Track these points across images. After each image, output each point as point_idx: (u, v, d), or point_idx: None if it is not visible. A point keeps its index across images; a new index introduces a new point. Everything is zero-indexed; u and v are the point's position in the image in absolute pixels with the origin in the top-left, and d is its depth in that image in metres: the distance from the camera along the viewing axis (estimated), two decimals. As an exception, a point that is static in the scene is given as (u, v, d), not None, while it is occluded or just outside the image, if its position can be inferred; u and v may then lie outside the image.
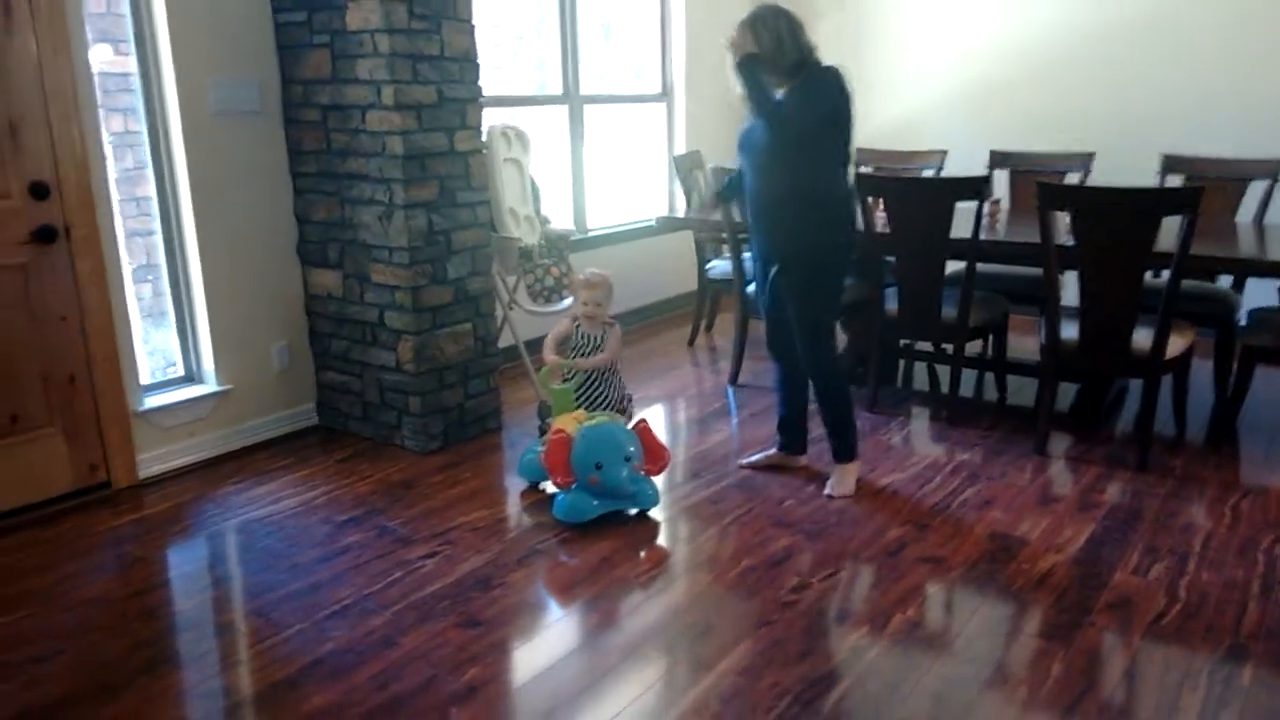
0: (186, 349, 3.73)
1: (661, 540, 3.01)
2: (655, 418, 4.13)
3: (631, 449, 3.04)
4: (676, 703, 2.17)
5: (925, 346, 4.60)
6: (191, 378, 3.75)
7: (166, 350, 3.74)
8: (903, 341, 4.37)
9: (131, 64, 3.46)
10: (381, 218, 3.57)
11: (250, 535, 3.06)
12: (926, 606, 2.57)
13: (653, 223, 4.91)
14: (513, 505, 3.28)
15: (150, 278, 3.69)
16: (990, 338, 4.21)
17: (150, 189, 3.57)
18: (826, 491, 3.27)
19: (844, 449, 3.32)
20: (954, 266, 3.79)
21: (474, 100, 3.68)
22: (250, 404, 3.83)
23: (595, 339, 3.51)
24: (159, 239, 3.62)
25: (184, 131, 3.48)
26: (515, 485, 3.46)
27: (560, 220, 4.70)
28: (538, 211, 4.14)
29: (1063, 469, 3.50)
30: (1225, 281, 4.17)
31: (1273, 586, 2.62)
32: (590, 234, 5.31)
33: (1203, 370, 4.23)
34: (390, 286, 3.62)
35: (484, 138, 3.79)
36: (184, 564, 2.89)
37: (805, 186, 3.05)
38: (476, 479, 3.46)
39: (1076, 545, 2.88)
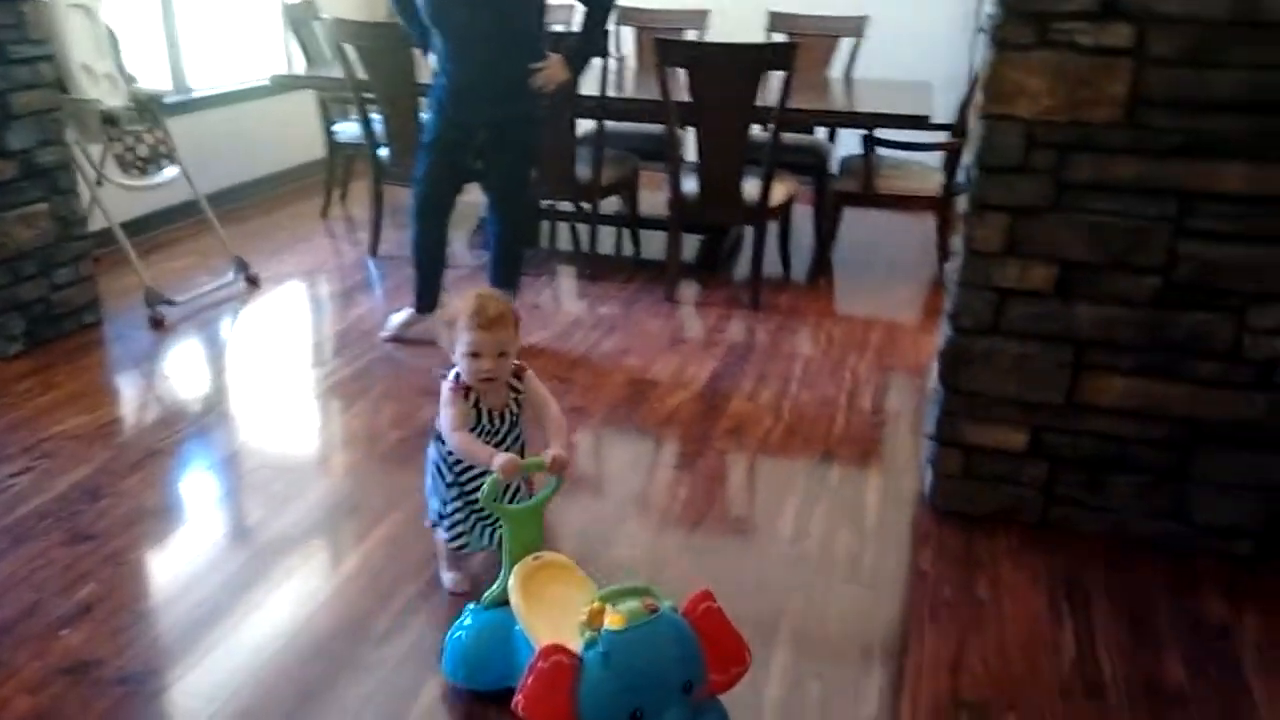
0: None
1: (308, 423, 2.87)
2: (293, 297, 3.87)
3: (693, 669, 1.51)
4: (329, 581, 2.12)
5: (566, 207, 4.69)
6: None
7: None
8: (544, 202, 4.42)
9: None
10: (-96, 76, 2.91)
11: None
12: (573, 454, 2.70)
13: (267, 82, 4.46)
14: (123, 406, 2.95)
15: None
16: (624, 195, 4.37)
17: None
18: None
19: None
20: (585, 127, 3.85)
21: (16, -70, 3.05)
22: None
23: (509, 413, 1.94)
24: None
25: None
26: (125, 383, 3.11)
27: (152, 80, 4.12)
28: (120, 69, 3.59)
29: (690, 314, 3.78)
30: (822, 133, 4.62)
31: (856, 399, 3.05)
32: (193, 96, 4.72)
33: (806, 216, 4.70)
34: (-70, 162, 2.99)
35: (36, -22, 3.17)
36: None
37: (532, 27, 3.05)
38: (74, 381, 3.05)
39: (700, 381, 3.15)
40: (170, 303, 3.55)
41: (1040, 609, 2.07)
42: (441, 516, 2.00)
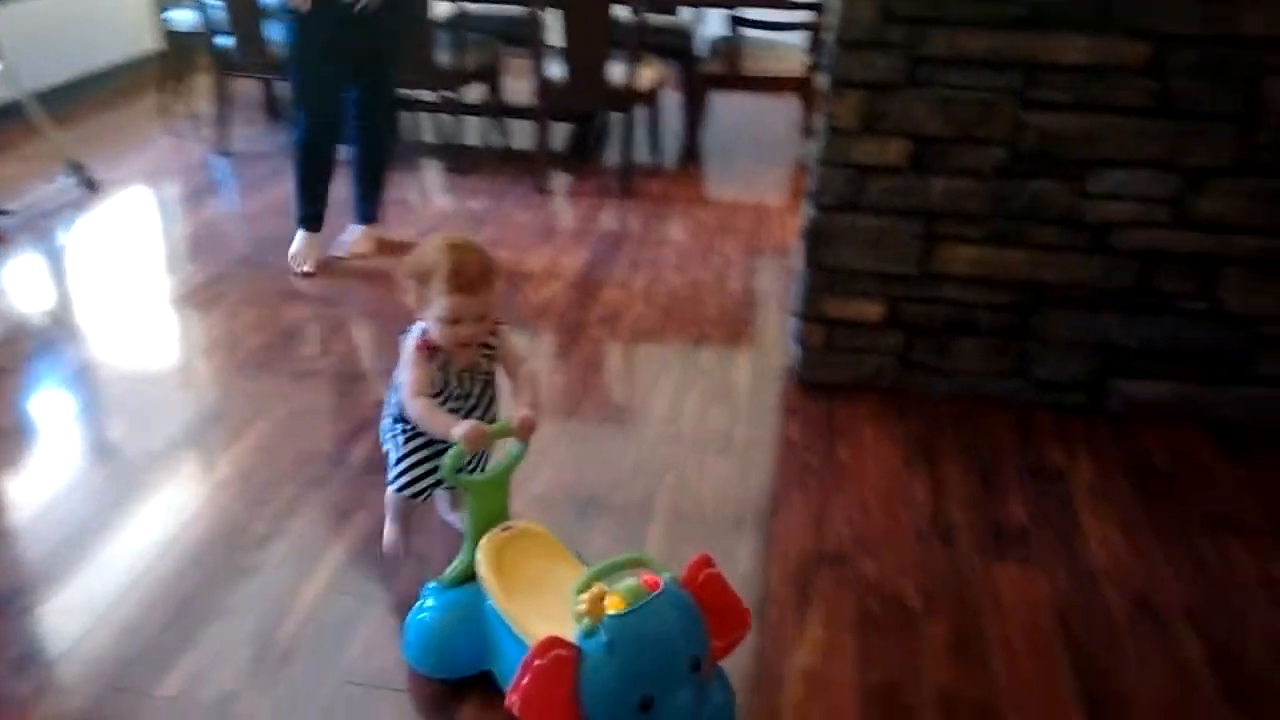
0: None
1: (163, 332, 2.75)
2: (137, 201, 3.64)
3: (699, 644, 1.36)
4: (200, 490, 2.08)
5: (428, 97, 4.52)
6: None
7: None
8: (402, 91, 4.23)
9: None
10: None
11: None
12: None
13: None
14: (-40, 322, 2.76)
15: None
16: (487, 82, 4.23)
17: None
18: (342, 253, 3.18)
19: (376, 209, 3.24)
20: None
21: None
22: None
23: (479, 377, 1.72)
24: None
25: None
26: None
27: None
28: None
29: (561, 204, 3.75)
30: (688, 15, 4.55)
31: (726, 281, 3.11)
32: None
33: (675, 102, 4.66)
34: None
35: None
36: None
37: None
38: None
39: (574, 271, 3.15)
40: (4, 212, 3.29)
41: (897, 467, 2.21)
42: (398, 463, 1.75)
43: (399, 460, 1.75)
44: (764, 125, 4.64)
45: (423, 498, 1.79)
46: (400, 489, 1.76)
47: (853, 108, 2.20)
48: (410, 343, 1.65)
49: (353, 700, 1.56)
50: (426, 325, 1.63)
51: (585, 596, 1.29)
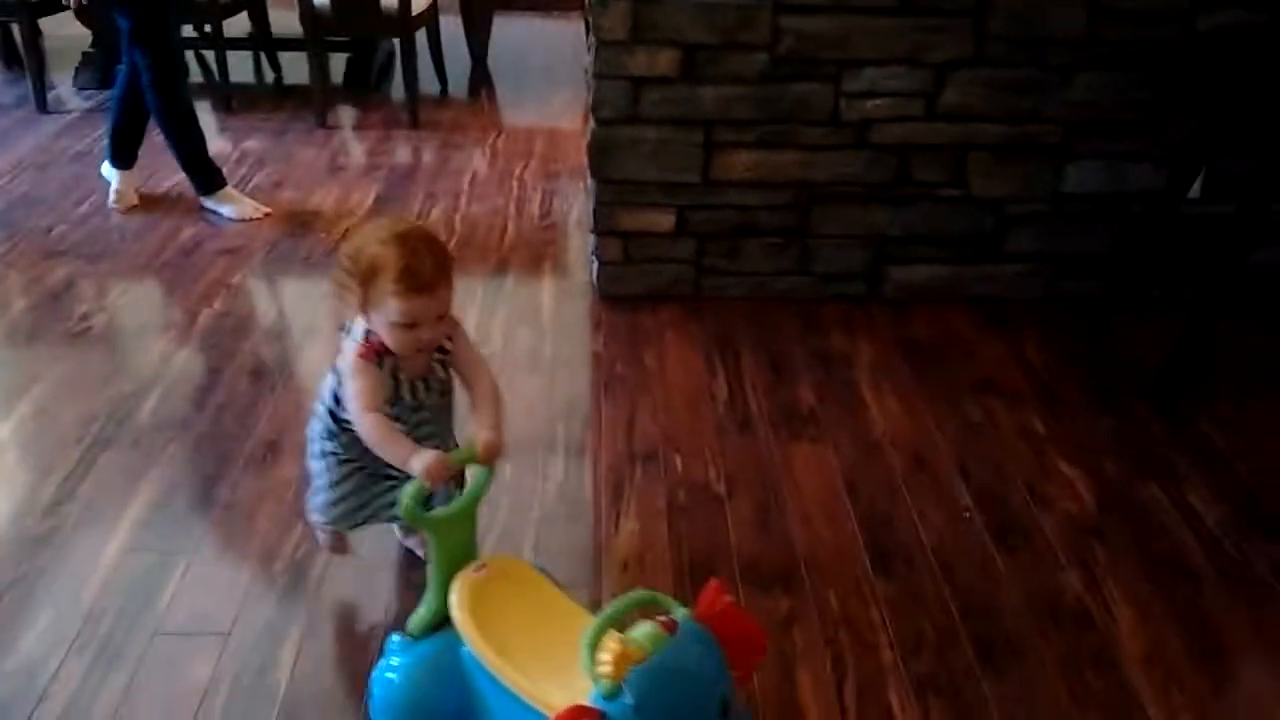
0: None
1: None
2: None
3: (724, 682, 1.22)
4: (-33, 470, 1.93)
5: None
6: None
7: None
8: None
9: None
10: None
11: None
12: (234, 295, 2.57)
13: None
14: None
15: None
16: (250, 13, 3.98)
17: None
18: (111, 203, 2.96)
19: (134, 155, 3.02)
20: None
21: None
22: None
23: (435, 386, 1.48)
24: None
25: None
26: None
27: None
28: None
29: (346, 139, 3.62)
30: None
31: (525, 206, 3.12)
32: None
33: (458, 29, 4.54)
34: None
35: None
36: None
37: None
38: None
39: (365, 206, 3.07)
40: None
41: (698, 367, 2.33)
42: (329, 488, 1.54)
43: (331, 486, 1.52)
44: (553, 46, 4.62)
45: (352, 529, 1.60)
46: (329, 520, 1.57)
47: (620, 19, 2.23)
48: (351, 348, 1.38)
49: (167, 650, 1.53)
50: (369, 326, 1.37)
51: (607, 657, 1.11)
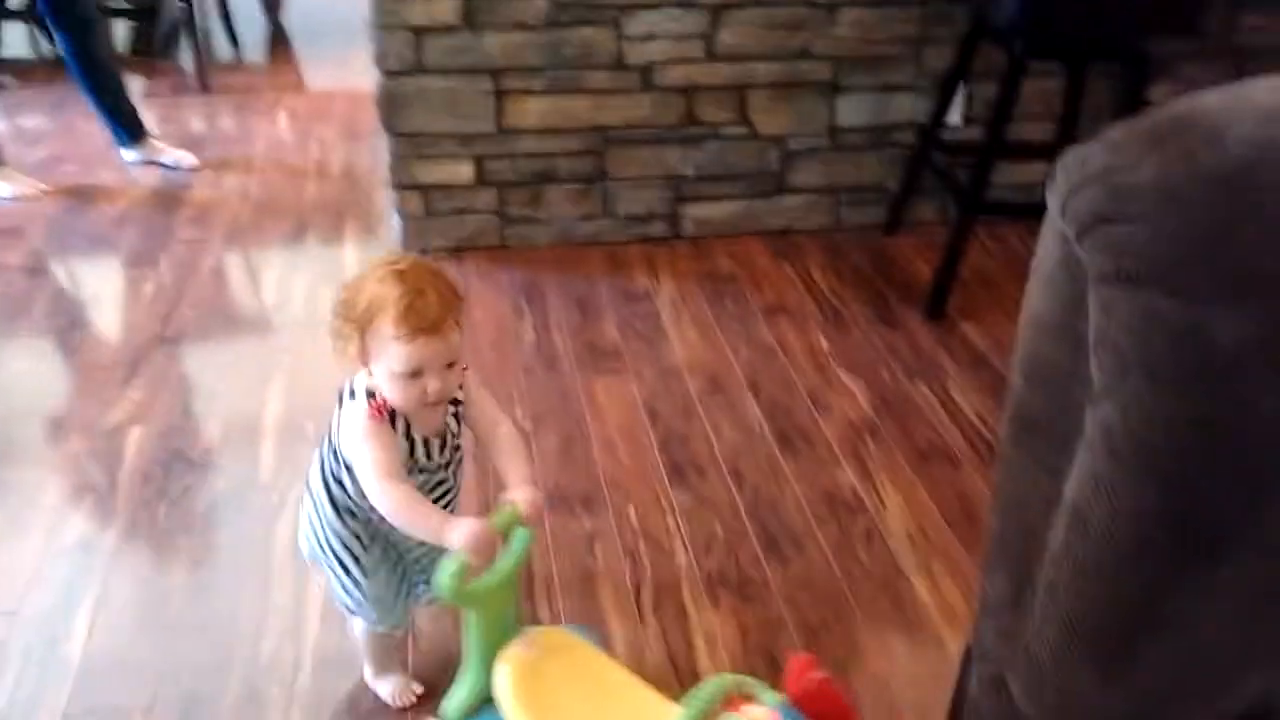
0: None
1: None
2: None
3: None
4: None
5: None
6: None
7: None
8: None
9: None
10: None
11: None
12: (12, 277, 2.44)
13: None
14: None
15: None
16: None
17: None
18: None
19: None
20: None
21: None
22: None
23: (450, 436, 1.27)
24: None
25: None
26: None
27: None
28: None
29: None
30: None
31: (325, 166, 3.06)
32: None
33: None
34: None
35: None
36: None
37: None
38: None
39: (154, 177, 2.94)
40: None
41: (506, 312, 2.37)
42: (358, 588, 1.31)
43: (367, 577, 1.30)
44: (353, 3, 4.48)
45: (404, 628, 1.40)
46: (382, 622, 1.34)
47: (389, -35, 2.23)
48: (359, 412, 1.19)
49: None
50: (371, 383, 1.18)
51: None
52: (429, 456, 1.24)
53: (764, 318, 2.38)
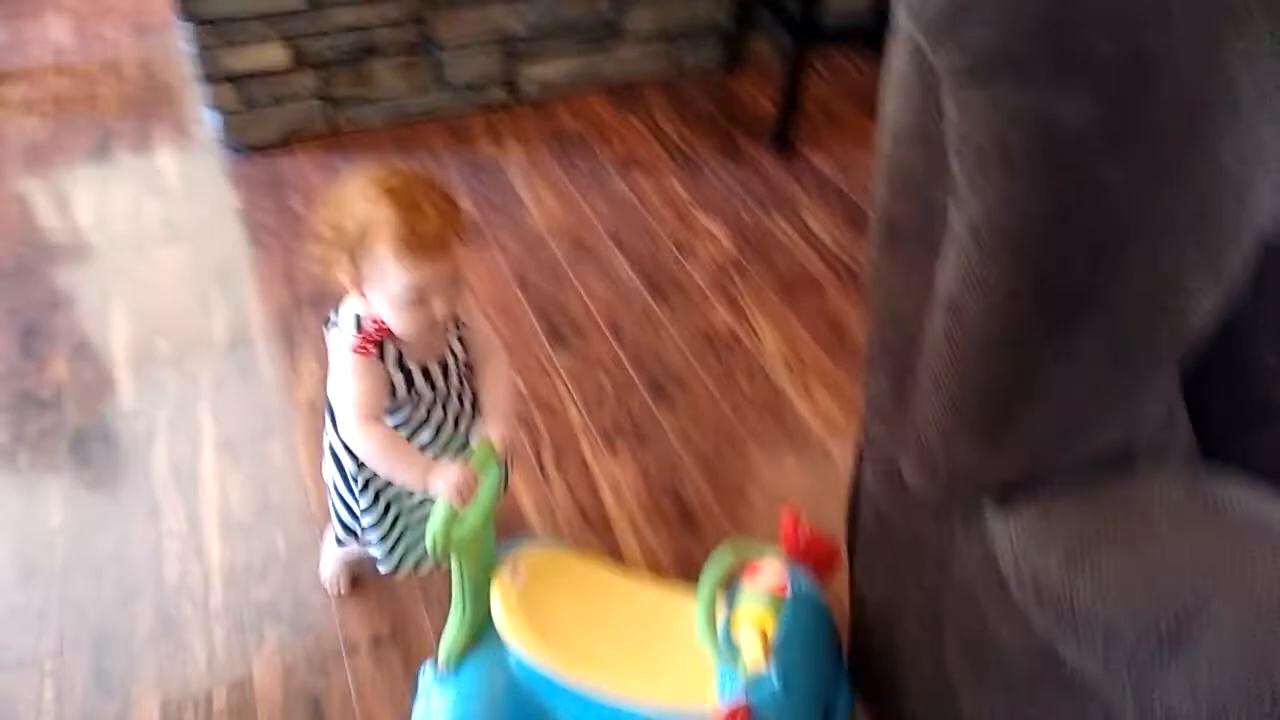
0: None
1: None
2: None
3: (832, 622, 1.13)
4: None
5: None
6: None
7: None
8: None
9: None
10: None
11: None
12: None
13: None
14: None
15: None
16: None
17: None
18: None
19: None
20: None
21: None
22: None
23: (454, 363, 1.15)
24: None
25: None
26: None
27: None
28: None
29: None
30: None
31: (122, 69, 2.79)
32: None
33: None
34: None
35: None
36: None
37: None
38: None
39: (-80, 100, 2.62)
40: None
41: (351, 201, 2.27)
42: (357, 532, 1.26)
43: (384, 521, 1.23)
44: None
45: (400, 572, 1.32)
46: (400, 565, 1.29)
47: None
48: (340, 342, 1.08)
49: None
50: (361, 310, 1.07)
51: (756, 648, 1.01)
52: (432, 386, 1.13)
53: (617, 172, 2.37)
